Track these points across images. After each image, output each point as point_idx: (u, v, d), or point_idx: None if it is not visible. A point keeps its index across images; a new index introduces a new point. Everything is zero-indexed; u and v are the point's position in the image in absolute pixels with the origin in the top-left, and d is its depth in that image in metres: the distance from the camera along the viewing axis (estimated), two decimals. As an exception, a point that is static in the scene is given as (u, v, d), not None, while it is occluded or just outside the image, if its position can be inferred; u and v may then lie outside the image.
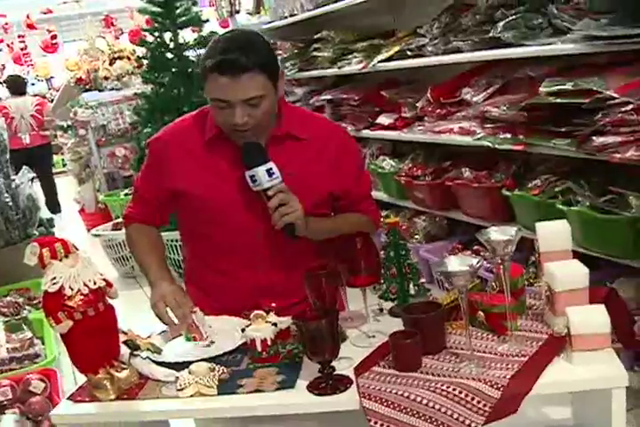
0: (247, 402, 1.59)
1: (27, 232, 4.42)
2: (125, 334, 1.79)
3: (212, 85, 1.80)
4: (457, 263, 1.53)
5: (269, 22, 5.49)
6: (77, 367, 1.68)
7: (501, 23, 2.77)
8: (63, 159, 10.51)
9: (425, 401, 1.47)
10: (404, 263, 1.92)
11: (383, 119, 4.09)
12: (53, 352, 2.94)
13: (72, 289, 1.62)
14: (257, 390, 1.60)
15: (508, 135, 2.89)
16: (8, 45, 13.44)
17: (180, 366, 1.73)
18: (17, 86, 8.63)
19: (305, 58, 4.89)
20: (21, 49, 13.22)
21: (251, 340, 1.73)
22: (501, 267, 1.61)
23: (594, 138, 2.32)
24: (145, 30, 5.76)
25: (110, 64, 8.70)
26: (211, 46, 1.83)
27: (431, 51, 3.42)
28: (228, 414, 1.64)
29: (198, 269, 2.13)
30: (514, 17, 2.73)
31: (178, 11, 5.23)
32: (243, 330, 1.79)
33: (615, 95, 2.21)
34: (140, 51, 7.96)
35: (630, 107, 2.21)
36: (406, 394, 1.49)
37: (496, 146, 2.93)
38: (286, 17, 5.08)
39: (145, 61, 5.52)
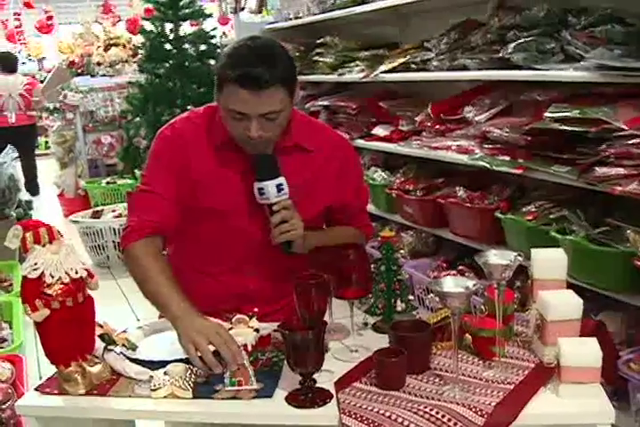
0: (222, 409, 1.54)
1: (4, 212, 4.36)
2: (101, 327, 1.73)
3: (231, 97, 1.74)
4: (453, 284, 1.50)
5: (273, 22, 5.45)
6: (49, 358, 1.62)
7: (512, 44, 2.75)
8: (47, 141, 10.41)
9: (406, 422, 1.43)
10: (394, 279, 1.89)
11: (379, 130, 4.07)
12: (21, 338, 2.87)
13: (52, 277, 1.56)
14: (233, 397, 1.55)
15: (507, 158, 2.87)
16: (2, 22, 13.27)
17: (154, 364, 1.67)
18: (8, 63, 8.50)
19: (305, 62, 4.85)
20: (16, 27, 13.05)
21: (231, 344, 1.68)
22: (496, 291, 1.58)
23: (596, 168, 2.31)
24: (145, 19, 5.72)
25: (105, 50, 8.65)
26: (232, 54, 1.77)
27: (436, 66, 3.40)
28: (202, 420, 1.59)
29: (182, 269, 2.06)
30: (526, 39, 2.72)
31: (181, 3, 5.19)
32: (224, 333, 1.74)
33: (624, 127, 2.20)
34: (137, 40, 7.91)
35: (638, 140, 2.20)
36: (387, 414, 1.45)
37: (493, 167, 2.91)
38: (291, 19, 5.05)
39: (141, 51, 5.46)
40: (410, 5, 3.59)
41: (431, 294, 3.22)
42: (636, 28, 2.40)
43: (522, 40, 2.73)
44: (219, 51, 5.29)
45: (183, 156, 1.90)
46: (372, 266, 1.86)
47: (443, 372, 1.61)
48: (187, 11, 5.25)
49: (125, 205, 5.16)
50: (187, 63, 5.17)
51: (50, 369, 1.68)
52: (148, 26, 5.30)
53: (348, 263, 1.73)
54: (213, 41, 5.35)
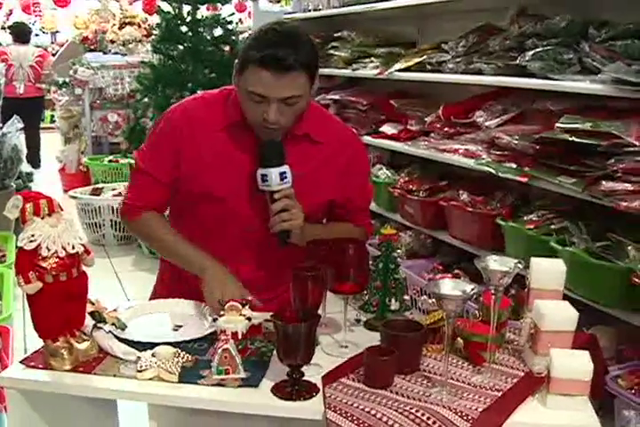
0: (207, 395, 1.53)
1: (4, 183, 4.34)
2: (93, 304, 1.72)
3: (253, 78, 1.72)
4: (450, 287, 1.49)
5: (290, 13, 5.43)
6: (37, 331, 1.61)
7: (530, 52, 2.75)
8: (53, 115, 10.38)
9: (391, 422, 1.42)
10: (390, 277, 1.88)
11: (387, 128, 4.06)
12: (9, 309, 2.86)
13: (49, 250, 1.54)
14: (219, 384, 1.54)
15: (514, 165, 2.86)
16: (20, -8, 13.26)
17: (142, 345, 1.66)
18: (21, 34, 8.49)
19: (320, 55, 4.81)
20: (32, -2, 13.04)
21: (221, 330, 1.67)
22: (492, 297, 1.57)
23: (603, 182, 2.30)
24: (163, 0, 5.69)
25: (119, 28, 8.63)
26: (257, 37, 1.76)
27: (451, 68, 3.39)
28: (186, 405, 1.58)
29: None
30: (544, 48, 2.71)
31: (201, -16, 5.17)
32: (215, 319, 1.73)
33: (635, 143, 2.18)
34: (152, 20, 7.89)
35: (648, 156, 2.19)
36: (373, 412, 1.44)
37: (499, 174, 2.90)
38: (310, 10, 5.03)
39: (156, 31, 5.43)
40: (431, 6, 3.58)
41: (424, 296, 3.22)
42: (657, 44, 2.39)
43: (540, 49, 2.73)
44: (234, 37, 5.27)
45: (188, 136, 1.89)
46: (370, 263, 1.85)
47: (431, 374, 1.60)
48: (205, -7, 5.23)
49: (126, 184, 5.15)
50: (201, 47, 5.14)
51: (36, 343, 1.66)
52: (166, 6, 5.27)
53: (346, 258, 1.71)
54: (229, 27, 5.32)
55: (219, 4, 5.86)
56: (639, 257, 2.26)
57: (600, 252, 2.40)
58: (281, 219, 1.80)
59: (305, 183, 1.86)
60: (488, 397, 1.50)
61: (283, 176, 1.78)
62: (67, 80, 7.54)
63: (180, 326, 1.83)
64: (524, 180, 2.75)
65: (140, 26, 8.79)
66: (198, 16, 5.20)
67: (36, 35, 12.97)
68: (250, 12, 10.89)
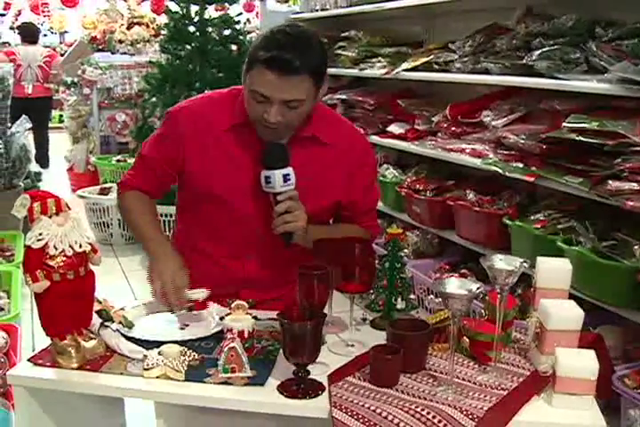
0: (213, 393, 1.53)
1: (12, 182, 4.36)
2: (100, 303, 1.73)
3: (257, 78, 1.73)
4: (456, 286, 1.50)
5: (298, 13, 5.44)
6: (45, 330, 1.62)
7: (537, 52, 2.74)
8: (61, 115, 10.41)
9: (396, 421, 1.42)
10: (396, 276, 1.88)
11: (394, 128, 4.06)
12: (18, 308, 2.88)
13: (56, 248, 1.55)
14: (225, 383, 1.55)
15: (520, 164, 2.86)
16: (29, -7, 13.30)
17: (149, 344, 1.67)
18: (29, 34, 8.51)
19: (328, 55, 4.83)
20: (41, -2, 13.07)
21: (227, 329, 1.68)
22: (498, 296, 1.57)
23: (609, 181, 2.30)
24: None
25: (128, 28, 8.64)
26: (267, 37, 1.76)
27: (458, 68, 3.39)
28: (192, 403, 1.59)
29: (186, 250, 2.07)
30: (551, 48, 2.70)
31: (209, -15, 5.17)
32: (222, 318, 1.74)
33: (642, 142, 2.18)
34: (160, 20, 7.90)
35: (654, 156, 2.19)
36: (378, 411, 1.44)
37: (506, 173, 2.90)
38: (317, 10, 5.04)
39: (164, 31, 5.44)
40: (438, 5, 3.58)
41: (431, 296, 3.22)
42: (664, 43, 2.39)
43: (547, 48, 2.72)
44: (241, 37, 5.27)
45: (193, 134, 1.90)
46: (377, 262, 1.85)
47: (437, 373, 1.61)
48: (214, -6, 5.23)
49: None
50: (209, 47, 5.15)
51: (44, 341, 1.68)
52: (174, 6, 5.28)
53: (352, 257, 1.72)
54: (237, 26, 5.33)
55: (227, 4, 5.85)
56: (646, 256, 2.26)
57: (606, 251, 2.40)
58: (284, 220, 1.80)
59: (312, 185, 1.86)
60: (494, 396, 1.50)
61: (286, 178, 1.79)
62: (75, 80, 7.56)
63: (187, 325, 1.84)
64: (531, 179, 2.75)
65: (148, 26, 8.80)
66: (206, 16, 5.21)
67: (45, 35, 13.01)
68: (257, 12, 10.89)
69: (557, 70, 2.66)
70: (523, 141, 2.83)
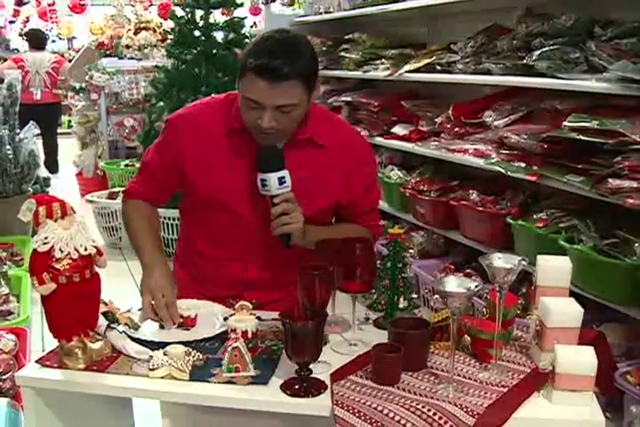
0: (217, 392, 1.56)
1: (21, 188, 4.39)
2: (106, 305, 1.75)
3: (249, 85, 1.76)
4: (455, 284, 1.51)
5: (303, 16, 5.47)
6: (52, 331, 1.65)
7: (537, 52, 2.75)
8: (70, 120, 10.45)
9: (397, 418, 1.44)
10: (398, 276, 1.90)
11: (398, 129, 4.08)
12: (27, 311, 2.91)
13: (62, 251, 1.58)
14: (229, 382, 1.57)
15: (523, 164, 2.87)
16: (37, 0, 13.35)
17: (154, 345, 1.70)
18: (37, 40, 8.56)
19: (332, 57, 4.87)
20: (49, 5, 13.11)
21: (231, 329, 1.70)
22: (497, 294, 1.58)
23: (610, 180, 2.31)
24: (176, 4, 5.73)
25: (135, 33, 8.67)
26: (257, 43, 1.79)
27: (460, 68, 3.41)
28: (196, 402, 1.61)
29: (189, 253, 2.10)
30: (551, 48, 2.71)
31: (213, -10, 5.20)
32: (225, 319, 1.77)
33: (640, 140, 2.20)
34: (167, 25, 7.93)
35: (653, 154, 2.20)
36: (380, 408, 1.46)
37: (508, 173, 2.91)
38: (321, 13, 5.07)
39: (171, 36, 5.48)
40: (440, 7, 3.60)
41: (436, 296, 3.23)
42: (662, 42, 2.40)
43: (547, 48, 2.73)
44: (247, 40, 5.29)
45: (191, 140, 1.93)
46: (378, 262, 1.87)
47: (439, 371, 1.62)
48: (218, -1, 5.26)
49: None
50: (214, 51, 5.17)
51: (54, 344, 1.70)
52: (179, 11, 5.31)
53: (353, 257, 1.73)
54: (243, 30, 5.36)
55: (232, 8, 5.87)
56: (647, 254, 2.27)
57: (608, 249, 2.41)
58: (281, 222, 1.82)
59: (310, 186, 1.88)
60: (494, 393, 1.51)
61: (282, 181, 1.80)
62: (83, 85, 7.60)
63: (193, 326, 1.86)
64: (533, 178, 2.76)
65: (155, 31, 8.83)
66: (211, 20, 5.24)
67: (53, 41, 13.09)
68: (263, 16, 10.91)
69: (557, 70, 2.67)
70: (524, 141, 2.85)
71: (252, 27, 9.90)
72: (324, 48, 4.98)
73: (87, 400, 1.75)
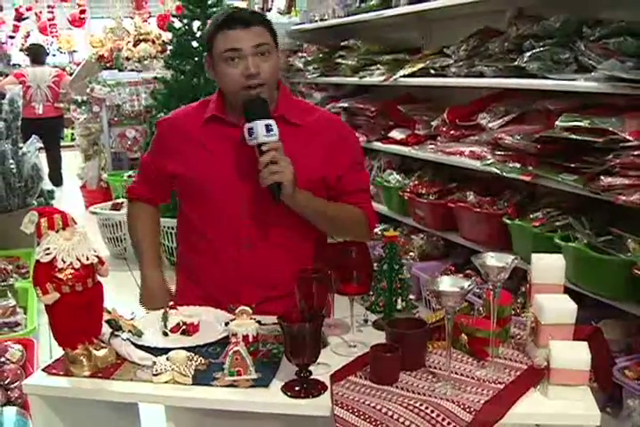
0: (220, 395, 1.58)
1: (26, 201, 4.43)
2: (109, 313, 1.78)
3: (223, 39, 1.88)
4: (448, 284, 1.53)
5: (299, 24, 5.51)
6: (57, 340, 1.68)
7: (528, 53, 2.78)
8: (73, 133, 10.49)
9: (396, 416, 1.46)
10: (395, 278, 1.92)
11: (396, 133, 4.10)
12: (34, 323, 2.94)
13: (64, 262, 1.61)
14: (231, 385, 1.60)
15: (518, 165, 2.90)
16: (36, 14, 13.43)
17: (158, 351, 1.72)
18: (37, 55, 8.62)
19: (328, 64, 4.91)
20: (49, 19, 13.20)
21: (232, 334, 1.73)
22: (491, 293, 1.61)
23: (602, 177, 2.33)
24: (174, 16, 5.78)
25: (134, 45, 8.71)
26: (215, 17, 1.95)
27: (454, 72, 3.44)
28: (199, 406, 1.64)
29: (187, 254, 2.15)
30: (541, 49, 2.74)
31: (210, 1, 5.25)
32: (226, 324, 1.80)
33: (630, 138, 2.22)
34: (166, 36, 7.97)
35: (642, 151, 2.23)
36: (379, 407, 1.48)
37: (504, 174, 2.94)
38: (316, 21, 5.11)
39: (169, 47, 5.52)
40: (433, 11, 3.63)
41: (427, 293, 3.26)
42: (649, 40, 2.42)
43: (537, 49, 2.76)
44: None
45: (172, 136, 2.06)
46: (375, 264, 1.89)
47: (436, 370, 1.64)
48: (214, 9, 5.29)
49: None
50: (212, 61, 5.20)
51: (61, 354, 1.73)
52: (177, 23, 5.36)
53: (350, 260, 1.76)
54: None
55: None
56: (639, 249, 2.29)
57: (602, 246, 2.43)
58: (269, 171, 1.79)
59: (292, 163, 1.85)
60: (491, 389, 1.53)
61: (268, 128, 1.81)
62: (84, 98, 7.65)
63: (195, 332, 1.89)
64: (528, 178, 2.79)
65: (154, 42, 8.88)
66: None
67: (54, 55, 13.17)
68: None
69: (548, 71, 2.70)
70: (518, 142, 2.87)
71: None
72: (321, 55, 5.02)
73: (93, 407, 1.78)
